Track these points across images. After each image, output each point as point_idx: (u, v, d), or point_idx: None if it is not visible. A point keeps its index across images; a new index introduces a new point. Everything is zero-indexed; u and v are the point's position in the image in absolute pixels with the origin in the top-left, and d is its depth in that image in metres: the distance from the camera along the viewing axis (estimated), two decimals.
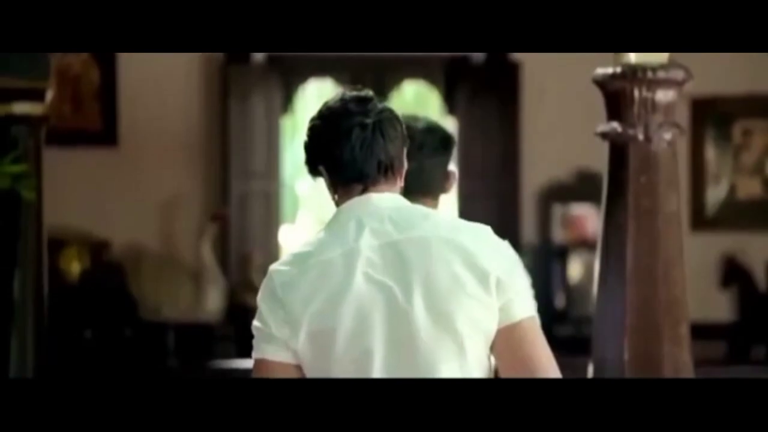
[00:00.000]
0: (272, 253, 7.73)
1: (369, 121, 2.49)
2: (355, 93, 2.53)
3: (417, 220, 2.47)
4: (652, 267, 3.45)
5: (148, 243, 7.82)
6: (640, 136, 3.45)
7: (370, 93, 2.53)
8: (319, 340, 2.42)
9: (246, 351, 6.77)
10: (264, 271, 2.51)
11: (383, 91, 7.99)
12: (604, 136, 3.51)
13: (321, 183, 2.57)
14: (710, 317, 7.23)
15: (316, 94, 8.21)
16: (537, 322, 2.47)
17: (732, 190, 8.00)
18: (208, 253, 7.46)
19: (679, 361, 3.44)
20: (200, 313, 7.40)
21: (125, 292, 7.46)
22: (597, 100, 3.56)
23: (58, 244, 7.10)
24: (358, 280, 2.42)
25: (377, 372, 2.39)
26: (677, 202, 3.51)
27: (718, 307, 7.65)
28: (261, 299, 2.49)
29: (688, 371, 3.45)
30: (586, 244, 7.76)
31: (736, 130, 7.99)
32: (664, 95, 3.45)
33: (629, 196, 3.46)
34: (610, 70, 3.45)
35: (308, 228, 8.65)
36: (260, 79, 7.93)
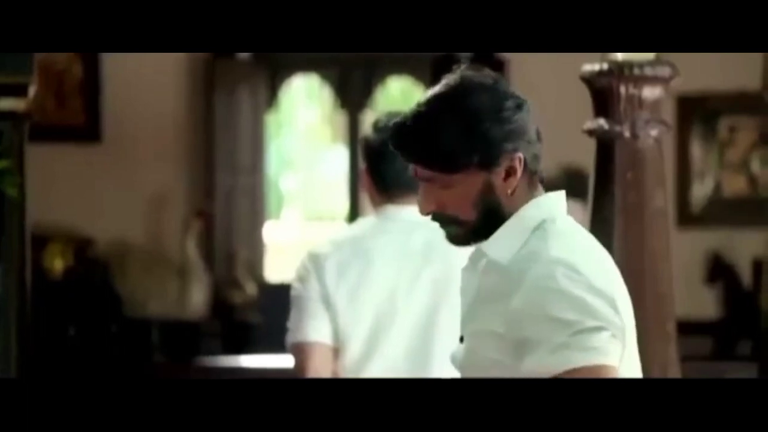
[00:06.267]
0: (258, 250, 7.71)
1: None
2: None
3: None
4: (639, 263, 3.44)
5: (133, 239, 7.79)
6: (627, 133, 3.44)
7: None
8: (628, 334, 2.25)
9: (231, 347, 6.73)
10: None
11: (369, 87, 7.98)
12: (590, 132, 3.50)
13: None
14: (696, 313, 7.23)
15: (302, 90, 8.18)
16: None
17: (718, 186, 8.00)
18: (193, 250, 7.44)
19: (666, 357, 3.43)
20: (185, 310, 7.38)
21: (110, 288, 7.44)
22: (584, 96, 3.56)
23: (41, 241, 7.06)
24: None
25: None
26: (664, 199, 3.51)
27: (704, 303, 7.66)
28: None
29: (674, 367, 3.45)
30: None
31: (722, 127, 7.99)
32: (650, 92, 3.44)
33: (616, 192, 3.46)
34: (597, 67, 3.44)
35: (295, 224, 8.62)
36: (246, 74, 7.90)
